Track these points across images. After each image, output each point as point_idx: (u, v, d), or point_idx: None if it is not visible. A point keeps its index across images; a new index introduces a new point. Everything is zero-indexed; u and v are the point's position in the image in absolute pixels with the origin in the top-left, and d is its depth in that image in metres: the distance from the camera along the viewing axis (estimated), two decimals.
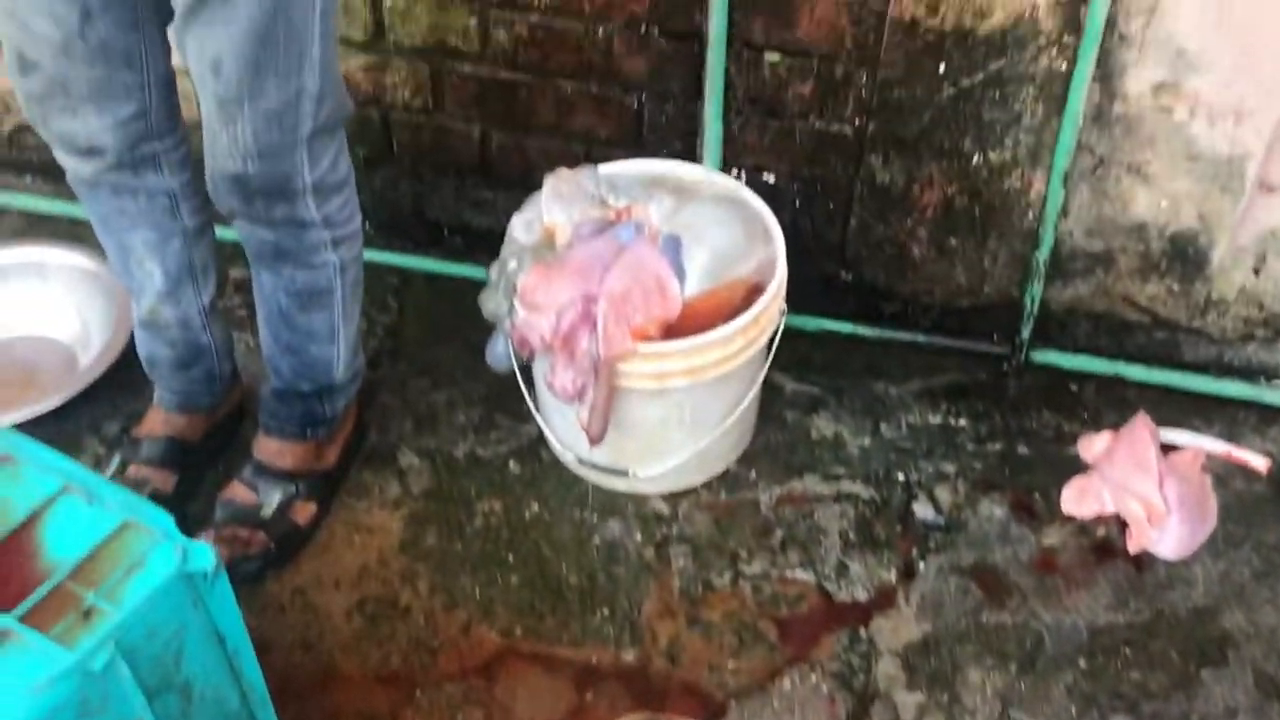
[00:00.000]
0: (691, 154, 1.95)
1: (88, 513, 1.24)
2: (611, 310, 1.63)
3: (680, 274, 1.73)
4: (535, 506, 1.85)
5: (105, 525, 1.23)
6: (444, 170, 2.12)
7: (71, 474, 1.29)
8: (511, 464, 1.91)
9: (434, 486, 1.87)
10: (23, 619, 1.14)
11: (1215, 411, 1.97)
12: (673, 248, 1.75)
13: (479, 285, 1.87)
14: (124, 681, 1.15)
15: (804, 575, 1.77)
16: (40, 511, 1.24)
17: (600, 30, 1.87)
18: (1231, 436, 1.93)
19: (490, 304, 1.79)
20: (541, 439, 1.91)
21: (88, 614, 1.15)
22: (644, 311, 1.66)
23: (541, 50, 1.91)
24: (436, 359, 2.07)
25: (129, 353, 1.94)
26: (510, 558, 1.78)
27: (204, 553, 1.22)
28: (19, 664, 1.11)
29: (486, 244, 2.13)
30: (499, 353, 1.84)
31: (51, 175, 2.32)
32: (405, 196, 2.19)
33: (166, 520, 1.24)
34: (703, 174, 1.89)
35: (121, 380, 1.98)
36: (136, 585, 1.18)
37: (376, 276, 2.19)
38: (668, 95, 1.90)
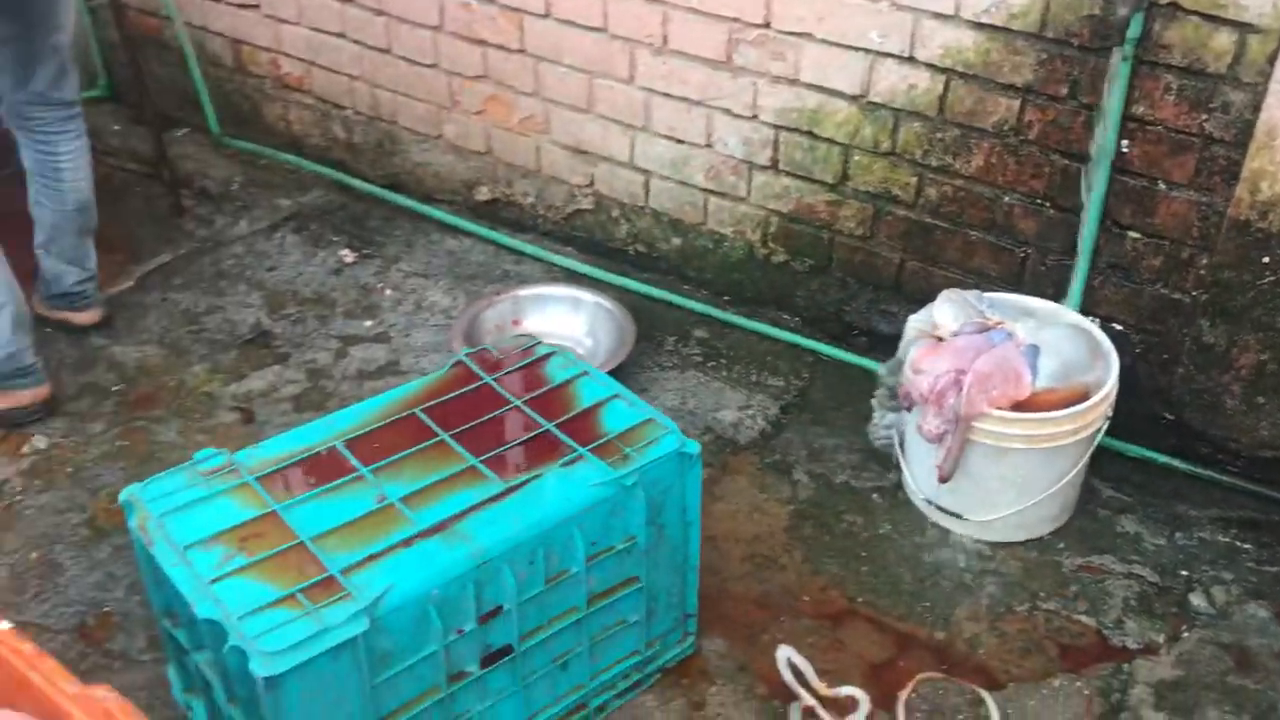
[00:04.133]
0: (1058, 298, 2.56)
1: (627, 410, 2.03)
2: (976, 382, 2.26)
3: (1034, 372, 2.33)
4: (888, 526, 2.47)
5: (637, 417, 2.01)
6: (865, 285, 2.86)
7: (617, 390, 2.09)
8: (875, 496, 2.54)
9: (815, 497, 2.54)
10: (590, 451, 1.93)
11: None
12: (1032, 353, 2.35)
13: (872, 375, 2.58)
14: (637, 499, 1.90)
15: (1088, 620, 2.25)
16: (603, 402, 2.05)
17: (1006, 197, 2.55)
18: None
19: (888, 375, 2.48)
20: (900, 485, 2.54)
21: (625, 457, 1.92)
22: (1001, 389, 2.28)
23: (959, 206, 2.62)
24: (831, 417, 2.77)
25: (626, 363, 2.80)
26: (863, 554, 2.40)
27: (693, 444, 1.96)
28: (586, 473, 1.89)
29: (884, 346, 2.82)
30: (880, 434, 2.53)
31: (586, 247, 3.30)
32: (831, 300, 2.94)
33: (673, 424, 2.00)
34: (1064, 312, 2.50)
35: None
36: (653, 450, 1.94)
37: (796, 355, 2.95)
38: (1048, 251, 2.55)
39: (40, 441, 2.72)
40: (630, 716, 2.08)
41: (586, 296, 3.05)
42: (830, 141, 2.74)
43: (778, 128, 2.80)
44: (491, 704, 1.88)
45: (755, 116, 2.82)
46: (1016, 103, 2.46)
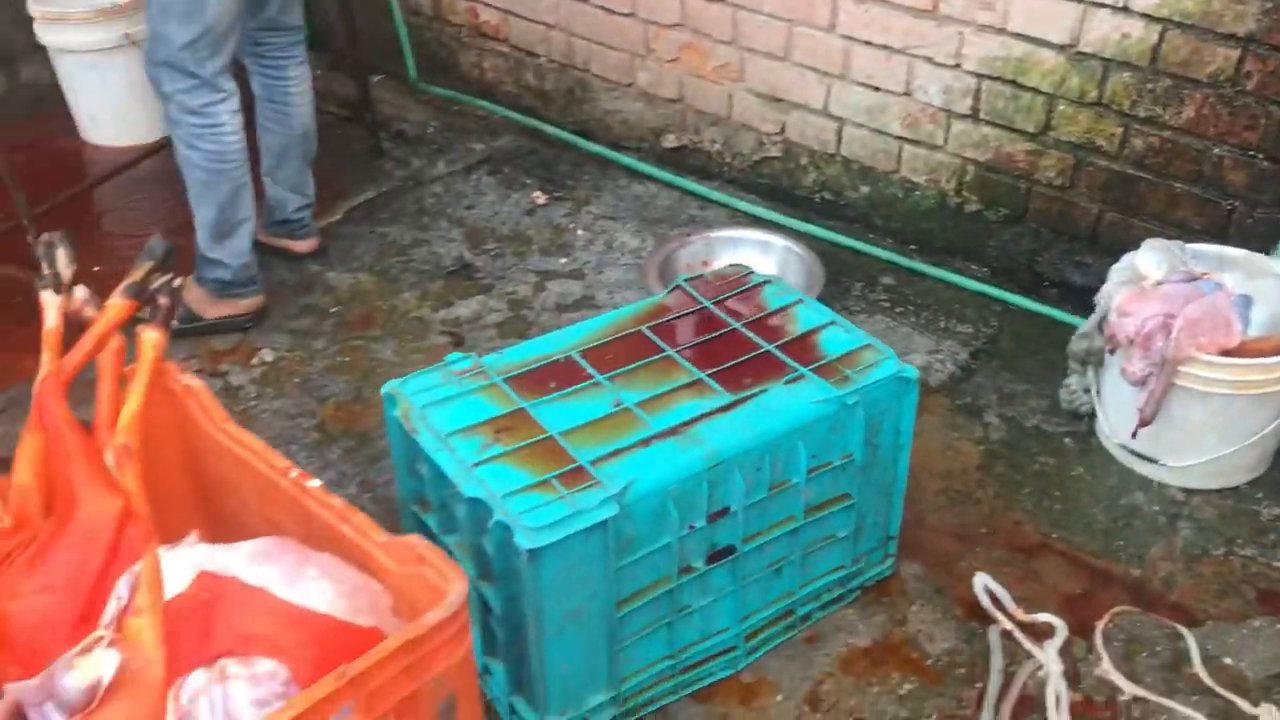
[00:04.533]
0: (1265, 251, 2.55)
1: (845, 336, 2.12)
2: (1186, 326, 2.28)
3: (1245, 322, 2.34)
4: (1080, 469, 2.51)
5: (855, 343, 2.10)
6: (1060, 236, 2.88)
7: (834, 318, 2.18)
8: (1067, 440, 2.58)
9: (1007, 438, 2.60)
10: (812, 371, 2.02)
11: None
12: (1243, 303, 2.36)
13: (1062, 326, 2.60)
14: (857, 418, 1.99)
15: None
16: (820, 328, 2.14)
17: (1216, 149, 2.55)
18: None
19: (1081, 343, 2.52)
20: (1092, 430, 2.58)
21: (846, 378, 2.01)
22: (1210, 335, 2.30)
23: (1166, 157, 2.63)
24: (1022, 365, 2.82)
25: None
26: (1056, 493, 2.46)
27: (911, 370, 2.04)
28: (809, 390, 1.98)
29: (1076, 297, 2.85)
30: (1081, 398, 2.56)
31: (772, 194, 3.38)
32: (1023, 250, 2.97)
33: (889, 350, 2.08)
34: (1273, 264, 2.49)
35: None
36: (874, 373, 2.03)
37: (984, 304, 3.00)
38: (1257, 203, 2.54)
39: (268, 355, 2.93)
40: (834, 626, 2.18)
41: (776, 240, 3.14)
42: (1035, 91, 2.77)
43: (980, 76, 2.84)
44: (712, 600, 2.00)
45: (958, 65, 2.86)
46: (1236, 53, 2.45)
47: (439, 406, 1.95)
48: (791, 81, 3.20)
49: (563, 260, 3.29)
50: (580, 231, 3.41)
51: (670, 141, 3.58)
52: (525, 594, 1.76)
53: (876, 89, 3.03)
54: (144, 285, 1.74)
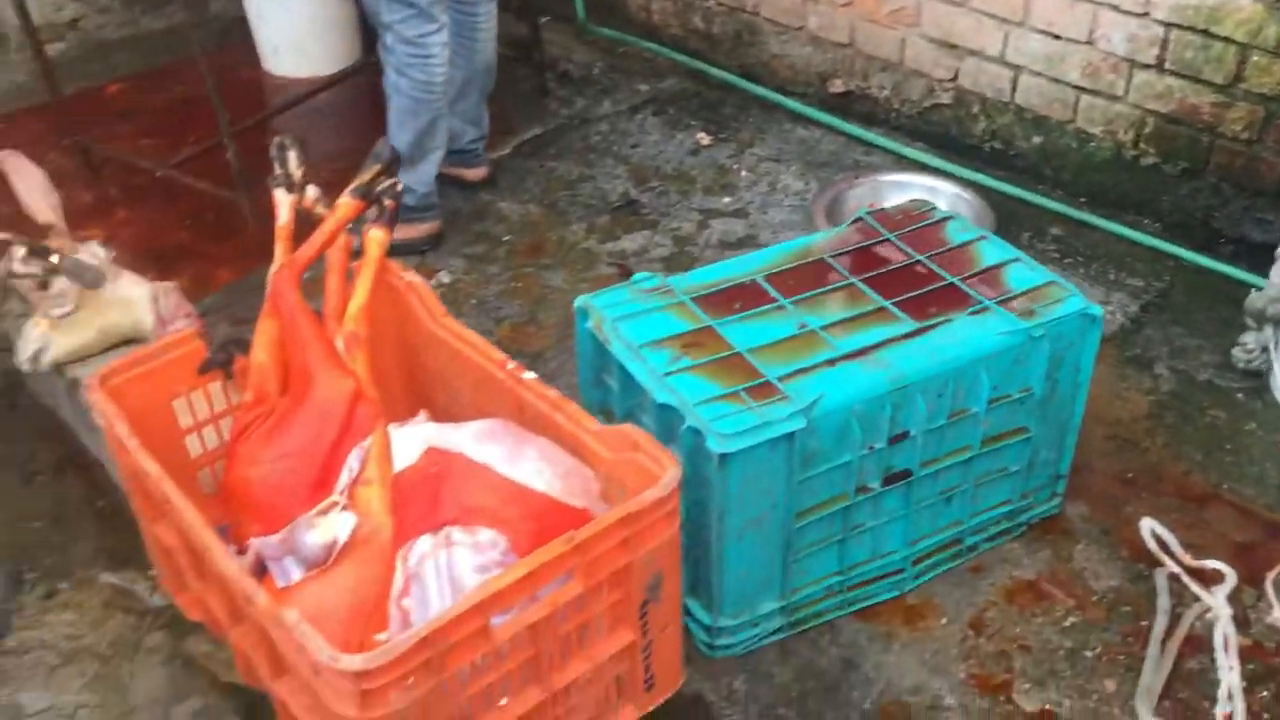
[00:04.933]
0: None
1: (1029, 273, 2.13)
2: None
3: None
4: (1253, 424, 2.48)
5: (1040, 279, 2.11)
6: (1241, 191, 2.82)
7: (1018, 255, 2.19)
8: (1239, 395, 2.55)
9: (1177, 390, 2.58)
10: (997, 304, 2.05)
11: None
12: None
13: (1236, 283, 2.55)
14: (1041, 351, 2.01)
15: None
16: (1005, 263, 2.16)
17: None
18: None
19: (1259, 300, 2.47)
20: (1267, 387, 2.54)
21: (1031, 312, 2.03)
22: None
23: None
24: (1194, 320, 2.78)
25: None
26: (1227, 446, 2.44)
27: (1096, 308, 2.05)
28: (994, 322, 2.01)
29: (1253, 255, 2.79)
30: (1246, 352, 2.53)
31: (939, 142, 3.37)
32: (1200, 206, 2.92)
33: (1073, 288, 2.09)
34: None
35: None
36: (1058, 309, 2.04)
37: (1155, 258, 2.96)
38: None
39: (445, 276, 3.07)
40: (999, 558, 2.21)
41: (945, 186, 3.14)
42: (1227, 40, 2.71)
43: (1169, 25, 2.78)
44: (884, 522, 2.05)
45: (1146, 14, 2.81)
46: None
47: (629, 320, 2.04)
48: (968, 27, 3.18)
49: (726, 200, 3.35)
50: (744, 173, 3.46)
51: (837, 86, 3.60)
52: (711, 499, 1.84)
53: (1057, 37, 2.99)
54: (371, 187, 1.86)
